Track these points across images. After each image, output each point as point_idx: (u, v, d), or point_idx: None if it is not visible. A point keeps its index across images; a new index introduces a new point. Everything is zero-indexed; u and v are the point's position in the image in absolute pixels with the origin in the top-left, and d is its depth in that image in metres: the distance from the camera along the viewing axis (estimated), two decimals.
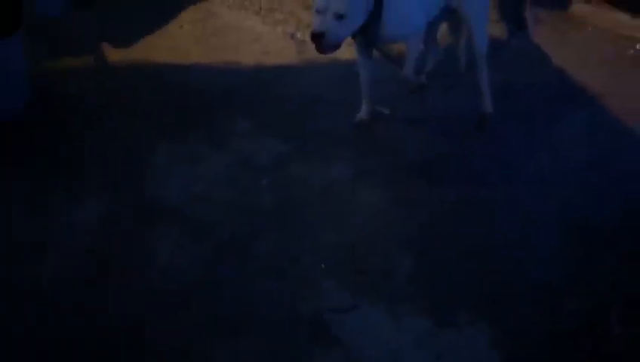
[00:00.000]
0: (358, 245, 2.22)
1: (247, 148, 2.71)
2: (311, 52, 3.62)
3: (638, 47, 3.76)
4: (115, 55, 3.41)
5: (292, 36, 3.81)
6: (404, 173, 2.64)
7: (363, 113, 2.95)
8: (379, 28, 2.56)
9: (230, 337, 1.87)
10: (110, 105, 2.93)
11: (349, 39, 2.62)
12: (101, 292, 1.97)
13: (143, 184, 2.43)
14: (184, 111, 2.97)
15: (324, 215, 2.36)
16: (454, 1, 2.83)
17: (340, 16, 2.36)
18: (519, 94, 3.32)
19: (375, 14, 2.51)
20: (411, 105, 3.16)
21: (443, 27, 3.30)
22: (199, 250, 2.16)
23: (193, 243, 2.18)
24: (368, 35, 2.60)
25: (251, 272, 2.09)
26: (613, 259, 2.20)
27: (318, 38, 2.37)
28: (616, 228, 2.34)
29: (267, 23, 3.96)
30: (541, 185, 2.60)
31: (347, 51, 2.89)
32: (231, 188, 2.46)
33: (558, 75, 3.52)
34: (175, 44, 3.60)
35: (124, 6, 3.86)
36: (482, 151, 2.84)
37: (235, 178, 2.53)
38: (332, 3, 2.35)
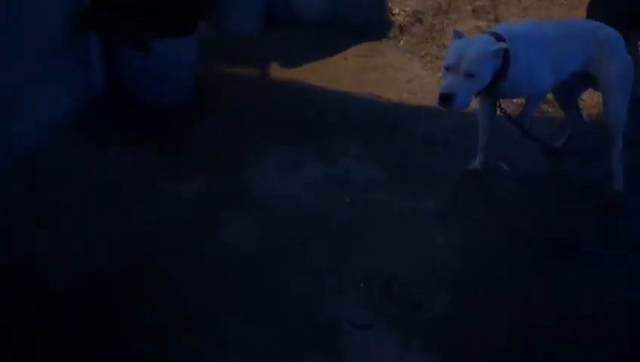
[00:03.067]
0: (403, 275, 2.22)
1: (346, 168, 2.88)
2: None
3: None
4: (279, 73, 3.88)
5: None
6: (489, 228, 2.55)
7: (476, 163, 2.92)
8: (504, 84, 2.53)
9: (242, 314, 2.05)
10: (250, 111, 3.36)
11: None
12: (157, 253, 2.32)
13: (242, 177, 2.75)
14: (309, 127, 3.25)
15: (385, 241, 2.41)
16: (591, 67, 2.68)
17: (470, 75, 2.36)
18: None
19: (502, 72, 2.48)
20: (540, 170, 3.02)
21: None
22: (259, 239, 2.38)
23: (256, 232, 2.41)
24: (492, 91, 2.57)
25: (295, 268, 2.24)
26: None
27: (447, 99, 2.36)
28: None
29: (428, 68, 4.11)
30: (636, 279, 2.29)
31: None
32: (314, 198, 2.65)
33: None
34: (334, 72, 3.95)
35: (306, 33, 4.36)
36: (591, 229, 2.59)
37: (322, 190, 2.71)
38: (464, 61, 2.34)
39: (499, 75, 2.47)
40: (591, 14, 4.42)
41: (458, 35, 2.50)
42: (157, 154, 2.89)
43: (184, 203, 2.55)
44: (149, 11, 3.10)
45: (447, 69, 2.40)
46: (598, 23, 2.77)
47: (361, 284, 2.18)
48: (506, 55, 2.45)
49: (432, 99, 3.67)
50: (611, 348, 1.97)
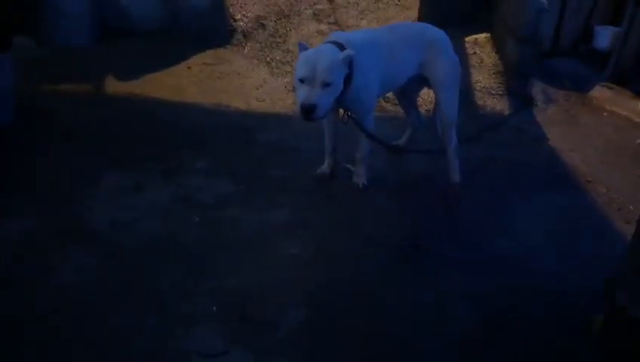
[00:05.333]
0: (257, 293, 2.16)
1: (194, 185, 2.75)
2: None
3: None
4: (116, 87, 3.63)
5: (294, 88, 3.89)
6: (339, 231, 2.57)
7: (325, 167, 2.94)
8: (348, 92, 2.54)
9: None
10: (83, 131, 3.09)
11: None
12: None
13: (76, 207, 2.51)
14: (152, 144, 3.07)
15: (237, 259, 2.33)
16: (424, 68, 2.80)
17: (327, 84, 2.37)
18: (499, 172, 3.16)
19: (348, 80, 2.51)
20: (386, 170, 3.10)
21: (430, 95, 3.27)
22: (99, 274, 2.18)
23: (96, 268, 2.21)
24: (339, 99, 2.55)
25: (140, 304, 2.08)
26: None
27: (309, 110, 2.34)
28: (538, 322, 2.15)
29: (275, 73, 4.08)
30: (477, 271, 2.40)
31: None
32: (159, 221, 2.49)
33: (549, 156, 3.36)
34: (177, 83, 3.78)
35: (145, 42, 4.13)
36: (434, 223, 2.70)
37: (168, 212, 2.56)
38: (318, 71, 2.35)
39: (346, 83, 2.50)
40: (422, 14, 4.69)
41: (303, 46, 2.49)
42: None
43: (4, 245, 2.26)
44: None
45: (301, 81, 2.39)
46: (425, 25, 2.92)
47: (214, 309, 2.08)
48: (351, 63, 2.48)
49: (281, 105, 3.69)
50: (458, 341, 2.06)
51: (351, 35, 2.84)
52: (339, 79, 2.44)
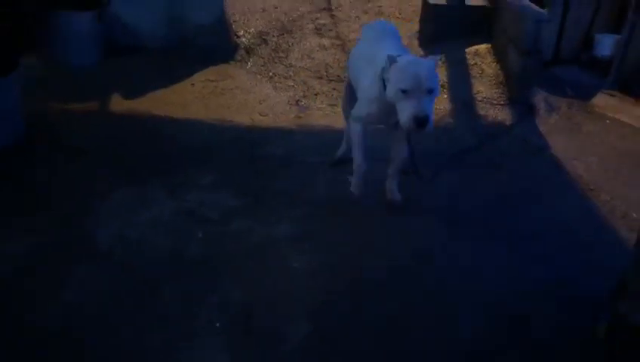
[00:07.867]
0: (260, 307, 2.18)
1: (199, 201, 2.78)
2: (309, 118, 3.75)
3: None
4: (121, 105, 3.68)
5: (297, 102, 3.93)
6: (345, 242, 2.59)
7: (356, 183, 2.79)
8: None
9: None
10: (90, 149, 3.13)
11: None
12: None
13: (83, 222, 2.55)
14: (157, 160, 3.11)
15: (240, 273, 2.35)
16: None
17: (430, 91, 2.30)
18: (501, 181, 3.16)
19: None
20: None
21: None
22: (104, 289, 2.21)
23: (101, 283, 2.24)
24: None
25: (143, 319, 2.10)
26: None
27: (425, 120, 2.27)
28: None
29: (277, 88, 4.12)
30: (480, 279, 2.42)
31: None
32: (163, 236, 2.52)
33: (550, 164, 3.36)
34: (181, 99, 3.83)
35: (150, 60, 4.18)
36: (441, 235, 2.72)
37: (173, 227, 2.59)
38: (422, 80, 2.28)
39: None
40: (423, 27, 4.73)
41: (393, 59, 2.38)
42: None
43: (13, 260, 2.30)
44: None
45: (404, 92, 2.31)
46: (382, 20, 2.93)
47: (217, 324, 2.10)
48: None
49: (284, 119, 3.73)
50: (465, 353, 2.07)
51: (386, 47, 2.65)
52: (438, 85, 2.38)
